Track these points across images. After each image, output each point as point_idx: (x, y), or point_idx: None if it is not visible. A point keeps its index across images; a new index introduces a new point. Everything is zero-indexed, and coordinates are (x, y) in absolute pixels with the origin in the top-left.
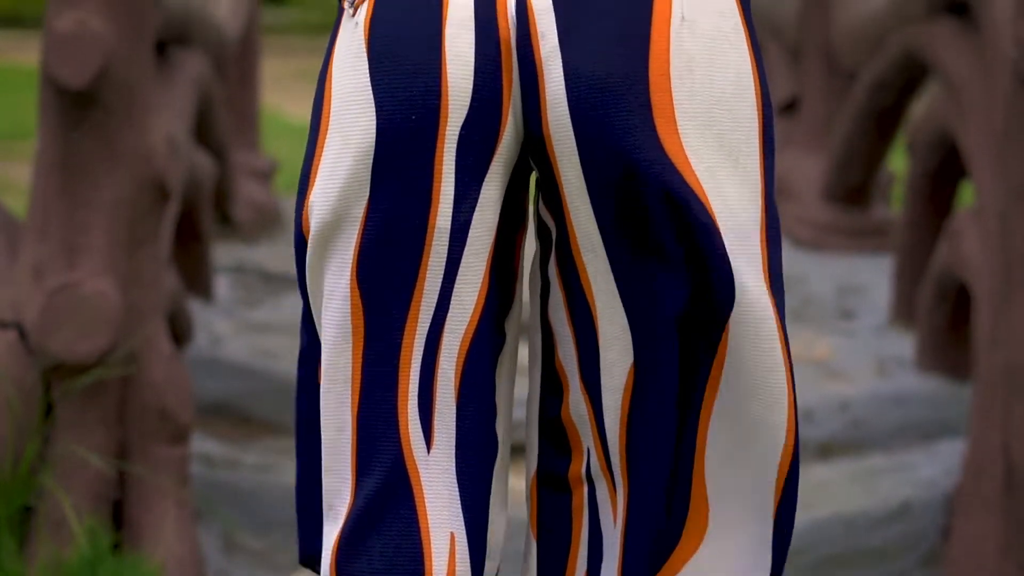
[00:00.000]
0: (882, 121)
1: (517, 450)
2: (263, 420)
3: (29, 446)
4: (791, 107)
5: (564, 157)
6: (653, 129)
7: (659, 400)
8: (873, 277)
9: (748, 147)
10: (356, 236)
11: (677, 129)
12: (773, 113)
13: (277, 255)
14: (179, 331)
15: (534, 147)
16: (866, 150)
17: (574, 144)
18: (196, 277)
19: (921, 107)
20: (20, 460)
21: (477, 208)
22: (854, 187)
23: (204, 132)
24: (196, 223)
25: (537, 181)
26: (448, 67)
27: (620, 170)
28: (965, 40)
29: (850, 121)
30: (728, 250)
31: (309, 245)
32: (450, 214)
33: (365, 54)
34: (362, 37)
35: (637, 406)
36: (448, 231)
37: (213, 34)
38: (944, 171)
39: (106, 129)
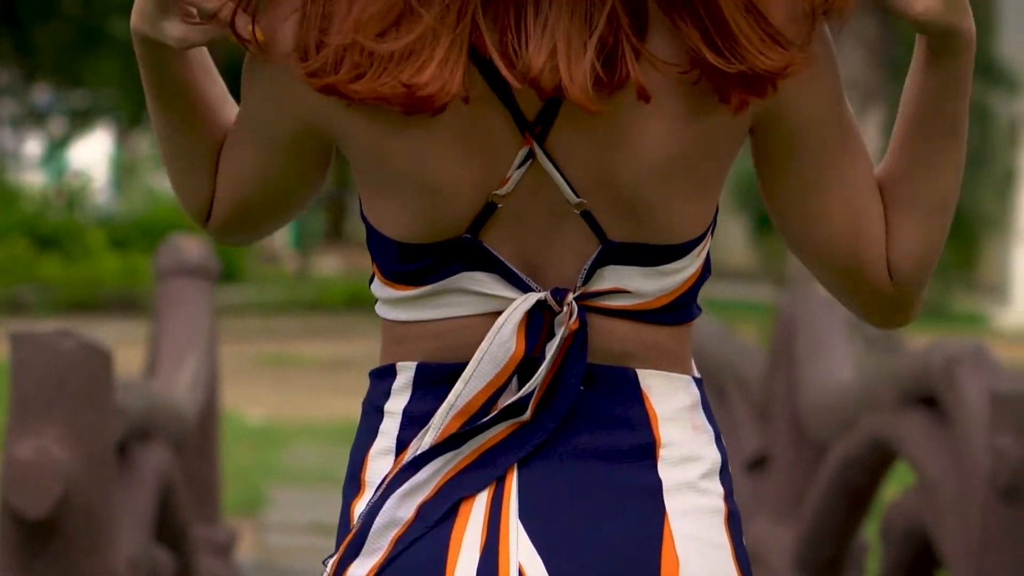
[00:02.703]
0: (853, 498)
1: None
2: None
3: None
4: (759, 463)
5: None
6: None
7: None
8: None
9: None
10: None
11: None
12: None
13: None
14: None
15: None
16: (837, 524)
17: None
18: None
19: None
20: None
21: None
22: (826, 560)
23: (164, 520)
24: None
25: None
26: None
27: None
28: (936, 434)
29: (820, 495)
30: None
31: None
32: None
33: None
34: None
35: None
36: None
37: (174, 421)
38: (919, 562)
39: (68, 558)
